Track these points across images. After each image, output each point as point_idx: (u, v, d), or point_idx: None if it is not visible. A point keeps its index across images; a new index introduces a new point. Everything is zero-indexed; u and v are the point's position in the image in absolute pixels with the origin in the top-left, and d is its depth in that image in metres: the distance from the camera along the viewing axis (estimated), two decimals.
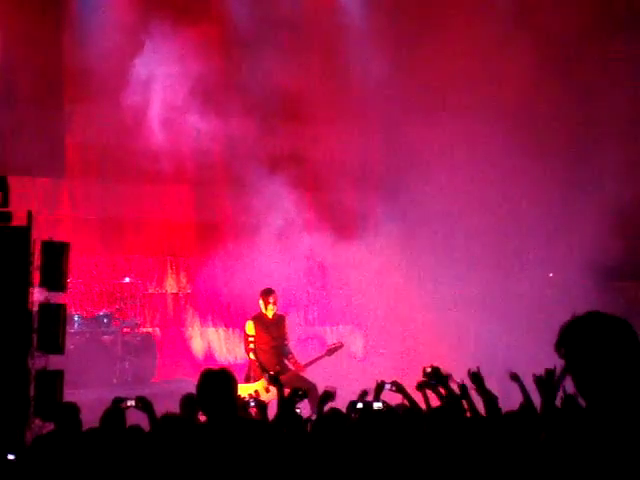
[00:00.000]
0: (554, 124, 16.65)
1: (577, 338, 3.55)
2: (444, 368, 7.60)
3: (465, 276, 16.39)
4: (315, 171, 17.53)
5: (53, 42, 16.05)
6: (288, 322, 12.51)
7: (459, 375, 7.45)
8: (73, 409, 7.51)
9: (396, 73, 16.68)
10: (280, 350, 12.15)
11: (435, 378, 7.34)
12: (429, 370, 7.46)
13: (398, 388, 7.66)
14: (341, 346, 12.74)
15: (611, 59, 17.18)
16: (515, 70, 16.41)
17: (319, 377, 12.02)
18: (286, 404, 6.81)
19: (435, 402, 7.33)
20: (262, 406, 7.64)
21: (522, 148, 16.44)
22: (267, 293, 12.30)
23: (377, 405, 7.06)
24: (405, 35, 16.84)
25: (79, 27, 16.11)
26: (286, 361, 12.16)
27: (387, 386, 7.70)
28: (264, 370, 11.41)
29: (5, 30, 15.50)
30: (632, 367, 3.47)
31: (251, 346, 12.07)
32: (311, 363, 12.23)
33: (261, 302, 12.27)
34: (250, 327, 12.15)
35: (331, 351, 12.49)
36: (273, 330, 12.16)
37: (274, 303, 12.23)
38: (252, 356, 12.01)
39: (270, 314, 12.21)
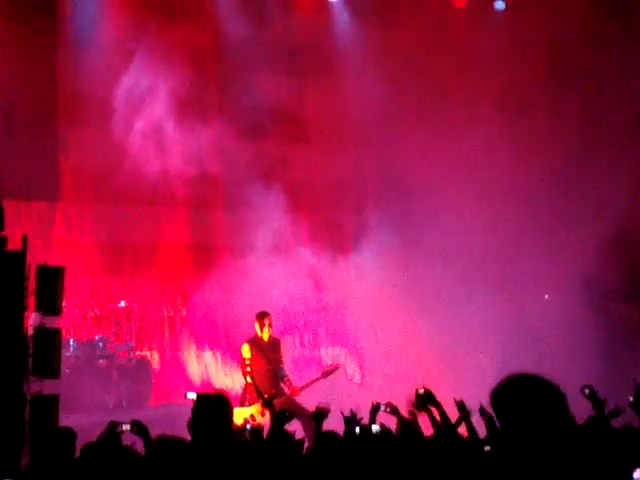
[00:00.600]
0: (553, 147, 16.72)
1: (507, 401, 3.65)
2: (445, 393, 7.59)
3: (463, 298, 16.39)
4: (310, 191, 17.56)
5: (47, 67, 16.07)
6: (284, 345, 12.49)
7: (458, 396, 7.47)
8: (70, 435, 7.48)
9: (391, 92, 16.73)
10: (276, 373, 12.13)
11: (427, 401, 7.33)
12: (421, 392, 7.45)
13: (393, 410, 7.65)
14: (337, 368, 12.77)
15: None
16: (514, 87, 16.51)
17: (315, 400, 11.95)
18: (275, 427, 6.78)
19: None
20: (257, 431, 7.62)
21: (520, 168, 16.50)
22: (262, 316, 12.28)
23: (375, 428, 7.03)
24: (399, 53, 16.91)
25: (73, 52, 16.15)
26: (282, 384, 12.13)
27: (382, 408, 7.69)
28: (259, 393, 11.43)
29: (0, 55, 15.53)
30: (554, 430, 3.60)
31: (248, 369, 12.05)
32: (307, 386, 12.19)
33: (257, 325, 12.25)
34: (246, 350, 12.13)
35: (327, 373, 12.47)
36: (269, 353, 12.15)
37: (269, 325, 12.21)
38: (249, 379, 11.98)
39: (266, 337, 12.19)
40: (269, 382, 11.99)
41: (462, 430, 7.18)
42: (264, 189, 16.52)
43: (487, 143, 16.41)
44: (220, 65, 17.25)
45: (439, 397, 7.41)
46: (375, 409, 7.64)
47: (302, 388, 12.12)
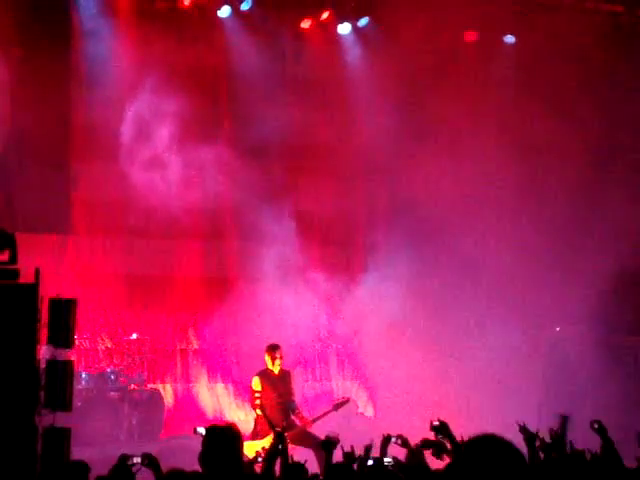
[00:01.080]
0: (568, 176, 16.78)
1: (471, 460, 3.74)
2: (459, 425, 7.56)
3: (477, 328, 16.37)
4: (321, 221, 17.59)
5: (60, 101, 16.18)
6: (295, 377, 12.48)
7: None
8: (83, 468, 7.47)
9: (400, 122, 16.81)
10: (287, 406, 12.13)
11: (442, 432, 7.30)
12: (437, 424, 7.43)
13: (404, 442, 7.62)
14: (347, 401, 12.81)
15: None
16: (524, 118, 16.57)
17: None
18: (268, 462, 6.73)
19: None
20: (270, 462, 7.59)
21: (528, 195, 16.53)
22: (273, 349, 12.29)
23: (387, 460, 7.01)
24: (409, 86, 17.00)
25: (86, 86, 16.27)
26: (293, 417, 12.11)
27: (393, 439, 7.67)
28: (271, 426, 11.41)
29: (13, 90, 15.66)
30: None
31: (257, 402, 12.04)
32: (318, 418, 12.22)
33: (267, 357, 12.25)
34: (257, 383, 12.15)
35: (338, 406, 12.51)
36: (280, 386, 12.15)
37: (280, 358, 12.22)
38: (259, 412, 11.97)
39: (276, 370, 12.20)
40: (280, 415, 11.98)
41: None
42: (275, 219, 16.57)
43: (498, 172, 16.48)
44: (231, 97, 17.35)
45: (454, 430, 7.38)
46: (386, 441, 7.62)
47: (314, 420, 12.13)
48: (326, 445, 7.27)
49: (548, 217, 16.75)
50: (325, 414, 12.37)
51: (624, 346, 16.37)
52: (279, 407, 12.05)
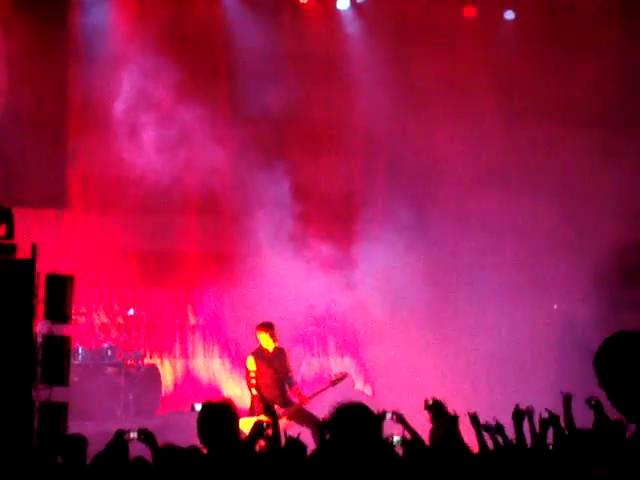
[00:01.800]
0: (569, 152, 16.72)
1: (608, 359, 3.86)
2: (459, 405, 7.53)
3: (474, 304, 16.34)
4: (320, 197, 17.53)
5: (58, 75, 16.10)
6: (289, 355, 12.45)
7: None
8: (80, 442, 7.47)
9: (400, 99, 16.76)
10: (283, 383, 12.10)
11: (437, 411, 7.27)
12: (430, 403, 7.40)
13: (399, 419, 7.56)
14: (345, 376, 12.74)
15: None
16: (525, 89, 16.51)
17: (324, 410, 11.90)
18: (251, 439, 6.69)
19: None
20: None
21: (534, 176, 16.47)
22: (267, 327, 12.24)
23: (396, 439, 6.92)
24: (409, 62, 16.94)
25: (84, 60, 16.18)
26: (290, 393, 12.10)
27: (388, 416, 7.60)
28: (264, 403, 11.39)
29: (11, 64, 15.58)
30: None
31: (253, 381, 12.01)
32: (315, 394, 12.16)
33: (261, 336, 12.21)
34: (251, 362, 12.10)
35: (335, 382, 12.46)
36: (275, 363, 12.11)
37: (274, 336, 12.17)
38: (254, 391, 11.94)
39: (270, 348, 12.15)
40: (277, 392, 11.97)
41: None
42: (273, 194, 16.53)
43: (497, 148, 16.43)
44: (229, 72, 17.27)
45: (453, 409, 7.35)
46: (381, 417, 7.56)
47: (311, 397, 12.08)
48: (322, 427, 7.22)
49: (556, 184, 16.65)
50: (322, 390, 12.32)
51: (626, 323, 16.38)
52: (275, 384, 12.02)
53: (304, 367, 17.06)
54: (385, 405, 11.82)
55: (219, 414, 5.19)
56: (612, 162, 16.26)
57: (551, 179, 16.77)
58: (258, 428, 6.77)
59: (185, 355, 17.27)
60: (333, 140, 17.66)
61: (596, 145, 16.54)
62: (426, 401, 7.41)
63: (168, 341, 17.20)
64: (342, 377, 12.60)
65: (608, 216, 16.01)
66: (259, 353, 12.14)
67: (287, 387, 12.11)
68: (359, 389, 17.47)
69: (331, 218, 17.55)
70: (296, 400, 12.02)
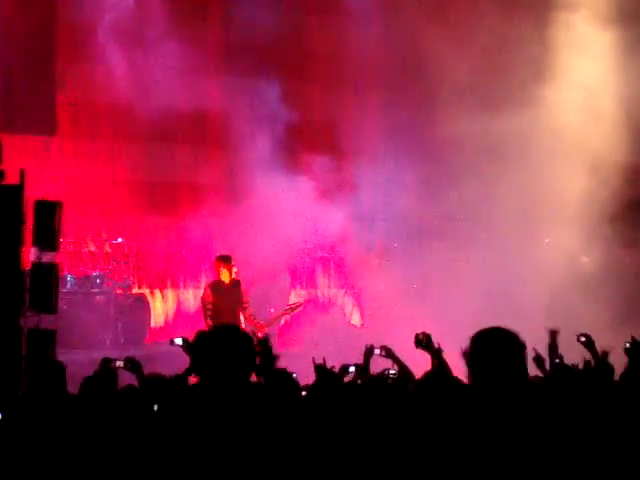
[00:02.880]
0: None
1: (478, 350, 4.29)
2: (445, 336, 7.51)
3: (467, 237, 16.28)
4: (311, 130, 17.39)
5: (46, 1, 15.86)
6: (244, 286, 12.55)
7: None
8: (58, 367, 7.43)
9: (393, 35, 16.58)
10: (238, 313, 12.28)
11: (426, 345, 7.26)
12: (421, 337, 7.39)
13: (387, 353, 7.53)
14: (300, 305, 13.26)
15: None
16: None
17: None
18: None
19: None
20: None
21: None
22: (225, 260, 12.47)
23: (392, 372, 6.88)
24: None
25: None
26: (245, 322, 12.25)
27: (376, 351, 7.57)
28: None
29: None
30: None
31: (209, 312, 12.20)
32: (271, 323, 12.61)
33: (219, 268, 12.39)
34: (207, 294, 12.33)
35: (291, 310, 13.01)
36: (231, 294, 12.30)
37: (230, 269, 12.36)
38: (210, 321, 12.14)
39: (227, 280, 12.35)
40: (233, 321, 12.14)
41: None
42: (265, 127, 16.40)
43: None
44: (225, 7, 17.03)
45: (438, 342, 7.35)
46: (369, 352, 7.53)
47: (267, 324, 12.39)
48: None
49: None
50: (277, 317, 12.90)
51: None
52: (231, 314, 12.19)
53: (292, 296, 17.09)
54: (374, 337, 11.86)
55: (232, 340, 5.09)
56: None
57: None
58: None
59: (175, 286, 17.25)
60: (326, 70, 17.49)
61: None
62: (416, 335, 7.39)
63: (158, 271, 17.16)
64: (297, 306, 13.11)
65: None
66: (216, 285, 12.37)
67: (241, 317, 12.31)
68: (348, 321, 17.54)
69: (324, 145, 17.41)
70: (249, 327, 12.21)
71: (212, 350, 4.87)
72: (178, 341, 8.80)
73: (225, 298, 12.23)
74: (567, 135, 16.37)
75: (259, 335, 12.00)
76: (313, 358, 6.89)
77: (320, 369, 6.81)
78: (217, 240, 17.01)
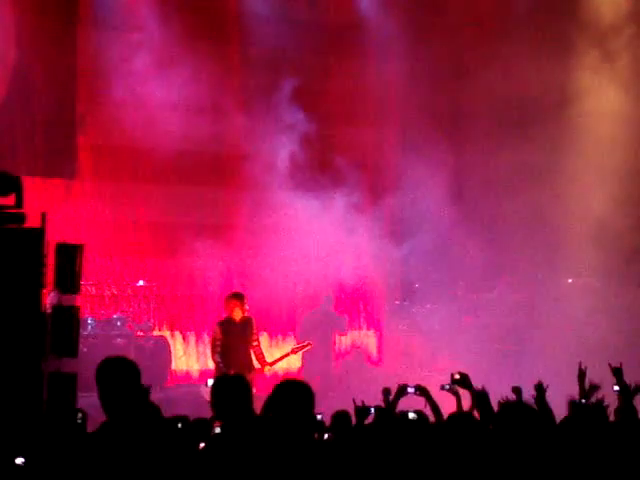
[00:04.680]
0: None
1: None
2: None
3: (489, 278, 16.22)
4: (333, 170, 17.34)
5: (68, 43, 15.97)
6: (255, 324, 12.60)
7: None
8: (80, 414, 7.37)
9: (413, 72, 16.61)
10: (249, 350, 12.39)
11: (464, 385, 7.11)
12: (457, 377, 7.23)
13: (422, 392, 7.34)
14: (308, 345, 13.31)
15: None
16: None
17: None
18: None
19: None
20: None
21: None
22: (236, 297, 12.53)
23: (412, 415, 6.76)
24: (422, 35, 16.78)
25: (94, 28, 16.04)
26: (255, 360, 12.40)
27: (410, 390, 7.41)
28: (228, 370, 11.75)
29: (20, 30, 15.43)
30: None
31: (218, 349, 12.31)
32: (276, 362, 12.73)
33: (230, 306, 12.46)
34: (217, 332, 12.41)
35: (299, 349, 13.18)
36: (241, 332, 12.38)
37: (242, 307, 12.42)
38: (218, 358, 12.26)
39: (238, 318, 12.41)
40: (243, 359, 12.30)
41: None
42: (284, 167, 16.44)
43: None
44: (242, 40, 17.10)
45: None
46: (401, 391, 7.36)
47: (272, 363, 12.53)
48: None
49: None
50: (283, 357, 13.00)
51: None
52: (241, 352, 12.32)
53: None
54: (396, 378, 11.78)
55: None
56: None
57: None
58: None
59: (195, 327, 17.21)
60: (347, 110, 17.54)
61: None
62: (452, 374, 7.24)
63: (179, 313, 17.12)
64: (306, 346, 13.25)
65: None
66: (226, 323, 12.46)
67: (252, 353, 12.41)
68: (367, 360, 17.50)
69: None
70: (258, 364, 12.37)
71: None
72: (211, 382, 8.81)
73: (234, 336, 12.34)
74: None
75: (264, 372, 12.18)
76: (353, 399, 6.91)
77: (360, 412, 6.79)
78: (238, 280, 17.00)
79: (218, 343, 12.33)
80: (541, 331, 15.35)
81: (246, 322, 12.51)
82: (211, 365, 12.92)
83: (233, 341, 12.32)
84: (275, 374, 13.28)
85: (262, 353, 12.55)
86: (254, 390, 7.24)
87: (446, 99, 16.88)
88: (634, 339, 14.91)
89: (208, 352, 16.90)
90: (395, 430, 6.11)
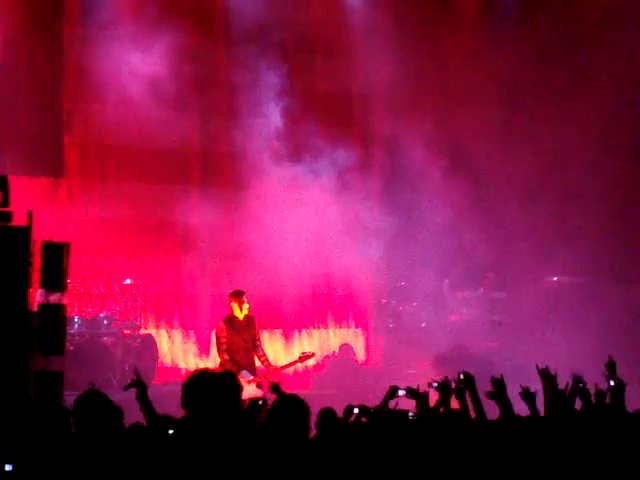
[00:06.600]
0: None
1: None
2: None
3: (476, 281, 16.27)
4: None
5: (53, 40, 15.94)
6: (258, 323, 12.62)
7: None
8: (64, 412, 7.36)
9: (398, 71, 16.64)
10: (251, 351, 12.31)
11: (467, 385, 7.05)
12: (462, 377, 7.19)
13: (413, 395, 7.28)
14: (312, 355, 13.21)
15: None
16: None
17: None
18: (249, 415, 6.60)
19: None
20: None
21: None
22: (238, 295, 12.46)
23: (411, 415, 6.74)
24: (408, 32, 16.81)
25: (79, 25, 16.02)
26: (259, 362, 12.32)
27: (401, 392, 7.34)
28: (238, 368, 11.70)
29: (5, 28, 15.40)
30: None
31: (224, 347, 12.24)
32: (284, 367, 12.76)
33: (232, 304, 12.40)
34: (221, 329, 12.33)
35: (304, 359, 12.92)
36: (244, 331, 12.32)
37: (242, 305, 12.37)
38: (226, 356, 12.19)
39: (241, 316, 12.33)
40: (246, 359, 12.24)
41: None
42: (272, 167, 16.44)
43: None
44: (227, 39, 17.11)
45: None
46: (392, 392, 7.32)
47: (279, 369, 12.48)
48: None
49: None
50: (289, 365, 12.98)
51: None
52: (244, 352, 12.24)
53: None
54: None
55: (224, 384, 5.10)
56: None
57: None
58: (254, 406, 6.70)
59: (182, 325, 17.19)
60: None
61: None
62: (458, 374, 7.18)
63: (165, 311, 17.11)
64: (310, 356, 13.04)
65: None
66: (230, 320, 12.37)
67: (254, 355, 12.33)
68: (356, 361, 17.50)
69: None
70: (264, 369, 12.29)
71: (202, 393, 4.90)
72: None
73: (239, 334, 12.26)
74: None
75: (271, 379, 12.05)
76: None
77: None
78: (225, 279, 16.99)
79: (223, 341, 12.26)
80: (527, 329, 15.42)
81: (250, 321, 12.46)
82: (200, 364, 12.92)
83: (237, 340, 12.24)
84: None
85: (265, 354, 12.46)
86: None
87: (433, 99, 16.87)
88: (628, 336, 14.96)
89: (194, 349, 17.13)
90: (384, 429, 6.13)
